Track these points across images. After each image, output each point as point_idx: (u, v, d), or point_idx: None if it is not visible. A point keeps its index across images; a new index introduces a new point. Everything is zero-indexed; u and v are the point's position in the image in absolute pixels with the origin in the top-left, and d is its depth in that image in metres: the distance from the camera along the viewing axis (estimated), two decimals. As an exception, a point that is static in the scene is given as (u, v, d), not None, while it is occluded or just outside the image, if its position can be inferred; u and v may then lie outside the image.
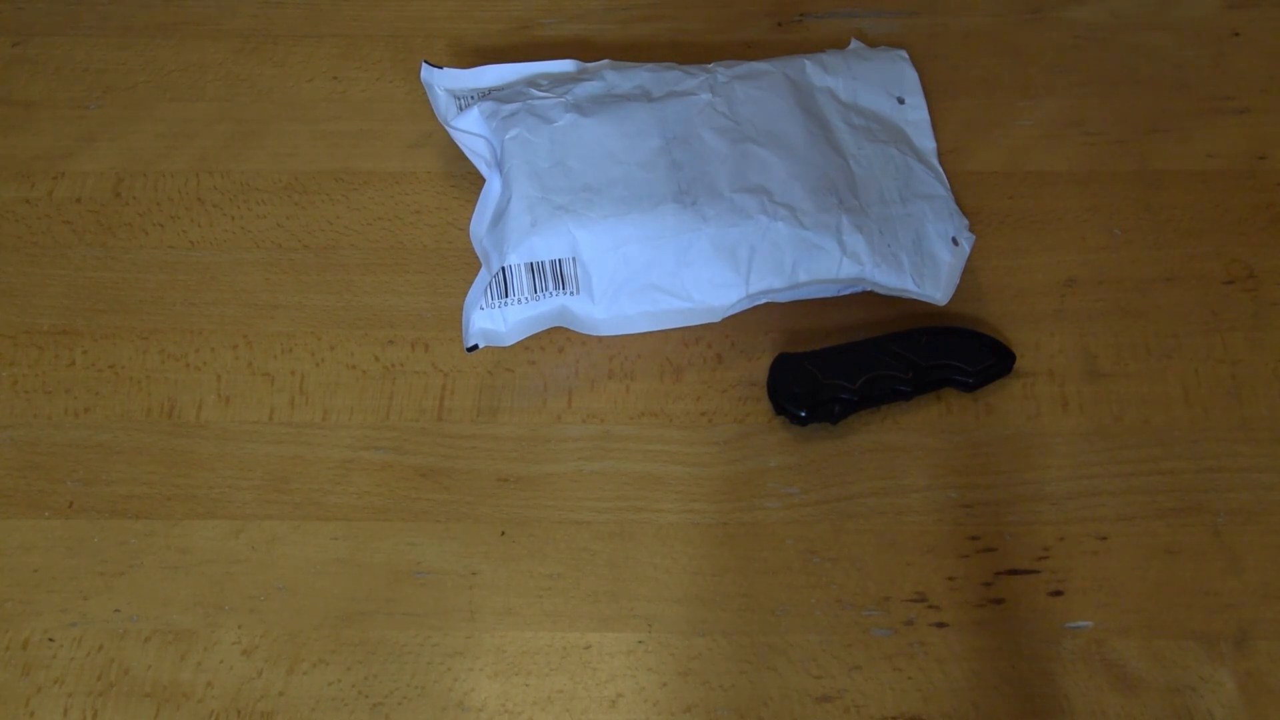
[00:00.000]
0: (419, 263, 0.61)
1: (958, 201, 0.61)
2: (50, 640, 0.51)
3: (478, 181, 0.61)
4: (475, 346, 0.55)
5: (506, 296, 0.54)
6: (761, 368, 0.57)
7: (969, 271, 0.59)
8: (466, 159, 0.61)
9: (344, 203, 0.63)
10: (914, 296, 0.57)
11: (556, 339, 0.58)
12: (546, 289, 0.55)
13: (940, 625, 0.50)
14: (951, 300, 0.57)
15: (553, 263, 0.55)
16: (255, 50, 0.69)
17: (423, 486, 0.54)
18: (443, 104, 0.61)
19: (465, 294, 0.58)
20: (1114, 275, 0.59)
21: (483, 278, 0.56)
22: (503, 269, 0.54)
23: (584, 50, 0.67)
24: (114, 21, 0.70)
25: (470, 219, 0.59)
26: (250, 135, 0.65)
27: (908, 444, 0.55)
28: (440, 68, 0.61)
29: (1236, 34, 0.68)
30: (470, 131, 0.59)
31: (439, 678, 0.50)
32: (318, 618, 0.51)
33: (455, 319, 0.59)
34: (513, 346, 0.58)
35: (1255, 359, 0.57)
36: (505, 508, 0.54)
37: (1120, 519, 0.53)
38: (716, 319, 0.57)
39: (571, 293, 0.55)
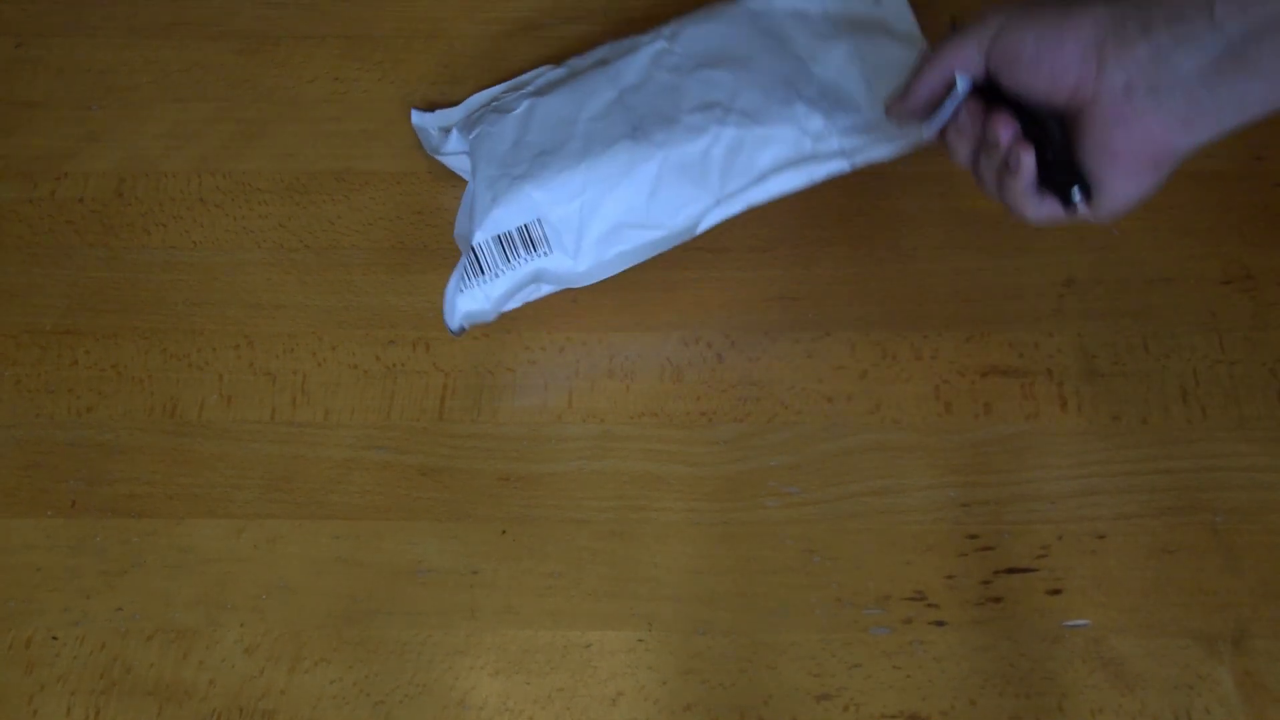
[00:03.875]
0: (420, 263, 0.61)
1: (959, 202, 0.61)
2: (53, 638, 0.51)
3: (478, 182, 0.61)
4: (462, 329, 0.55)
5: (482, 274, 0.54)
6: (762, 368, 0.57)
7: (969, 271, 0.59)
8: (467, 159, 0.61)
9: (345, 203, 0.63)
10: (898, 146, 0.55)
11: (556, 339, 0.58)
12: (518, 256, 0.55)
13: (939, 624, 0.51)
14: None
15: (519, 229, 0.55)
16: (257, 51, 0.69)
17: (424, 486, 0.54)
18: (435, 140, 0.62)
19: (464, 294, 0.58)
20: (1113, 275, 0.59)
21: (459, 264, 0.56)
22: (473, 248, 0.54)
23: (584, 50, 0.67)
24: (116, 22, 0.70)
25: (467, 220, 0.59)
26: (252, 135, 0.66)
27: (908, 444, 0.55)
28: (430, 111, 0.63)
29: (1235, 34, 0.68)
30: (455, 152, 0.60)
31: (440, 676, 0.50)
32: (319, 616, 0.52)
33: (456, 319, 0.59)
34: (513, 346, 0.58)
35: (1253, 359, 0.57)
36: (506, 507, 0.54)
37: (1119, 518, 0.53)
38: (692, 237, 0.56)
39: (544, 253, 0.55)
